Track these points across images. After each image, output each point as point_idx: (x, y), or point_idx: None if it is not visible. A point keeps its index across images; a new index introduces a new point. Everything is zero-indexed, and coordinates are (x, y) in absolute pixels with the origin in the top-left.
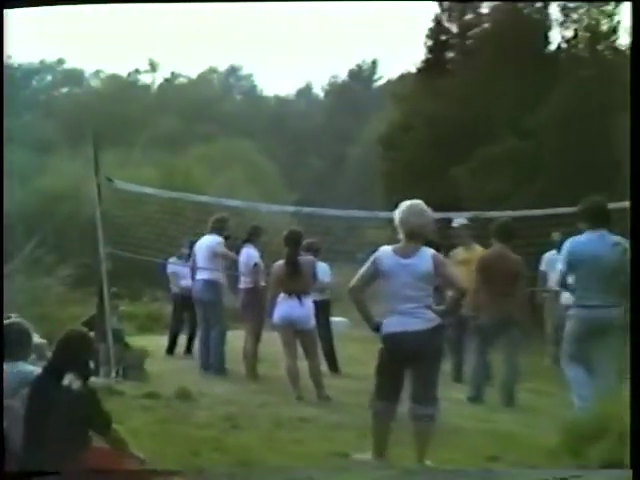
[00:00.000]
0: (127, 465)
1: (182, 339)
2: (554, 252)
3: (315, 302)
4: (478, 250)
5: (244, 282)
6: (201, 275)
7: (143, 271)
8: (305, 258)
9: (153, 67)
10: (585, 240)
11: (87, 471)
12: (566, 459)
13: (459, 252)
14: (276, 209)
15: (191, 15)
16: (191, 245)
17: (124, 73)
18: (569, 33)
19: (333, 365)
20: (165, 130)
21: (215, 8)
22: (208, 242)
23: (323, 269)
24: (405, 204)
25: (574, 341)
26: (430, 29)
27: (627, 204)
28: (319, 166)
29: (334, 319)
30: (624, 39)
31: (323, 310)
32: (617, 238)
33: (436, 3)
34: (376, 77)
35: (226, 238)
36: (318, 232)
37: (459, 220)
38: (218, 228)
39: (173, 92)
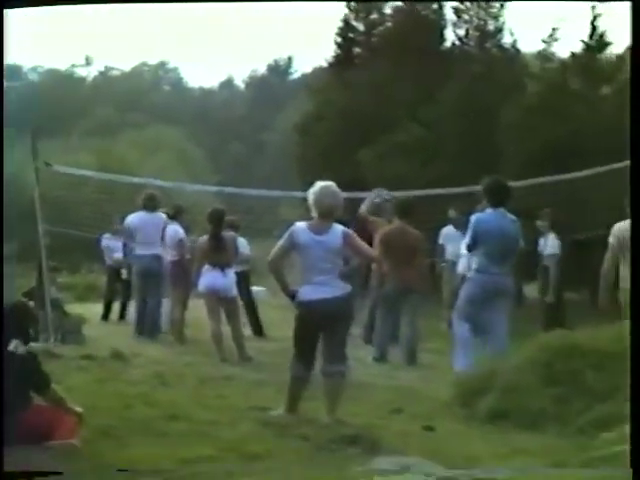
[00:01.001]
0: (65, 419)
1: (116, 307)
2: (451, 227)
3: (237, 273)
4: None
5: (171, 255)
6: (147, 250)
7: (81, 246)
8: (227, 234)
9: (88, 62)
10: (489, 217)
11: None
12: (457, 410)
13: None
14: (201, 189)
15: (123, 13)
16: (122, 222)
17: (61, 67)
18: (461, 32)
19: (258, 329)
20: (100, 119)
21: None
22: (155, 219)
23: (242, 243)
24: (318, 185)
25: (469, 302)
26: (339, 28)
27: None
28: (240, 151)
29: (255, 288)
30: (508, 38)
31: (244, 280)
32: (513, 217)
33: (344, 4)
34: (292, 71)
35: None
36: (239, 210)
37: (381, 195)
38: (149, 205)
39: (107, 84)
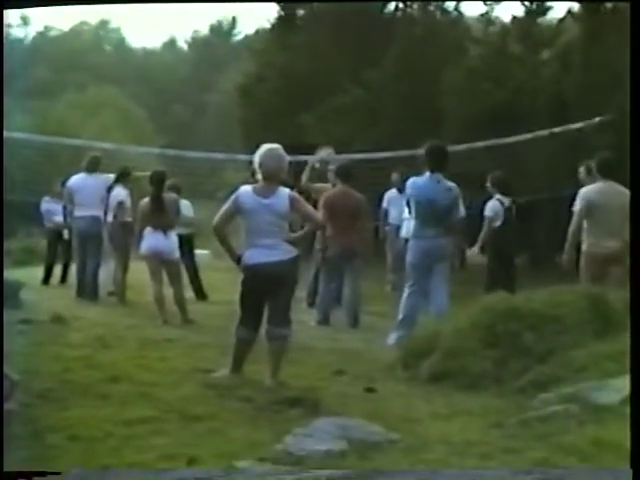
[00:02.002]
0: None
1: (57, 270)
2: (394, 191)
3: (180, 236)
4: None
5: (111, 217)
6: (86, 212)
7: (17, 210)
8: (168, 196)
9: (25, 22)
10: (423, 183)
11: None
12: (399, 372)
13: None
14: (143, 151)
15: None
16: (63, 184)
17: None
18: None
19: (200, 292)
20: (38, 80)
21: None
22: (96, 181)
23: (186, 206)
24: (264, 148)
25: (410, 267)
26: None
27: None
28: (183, 113)
29: (198, 251)
30: (451, 2)
31: (188, 243)
32: (450, 184)
33: None
34: (235, 32)
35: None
36: (183, 173)
37: (322, 159)
38: (92, 167)
39: (46, 45)
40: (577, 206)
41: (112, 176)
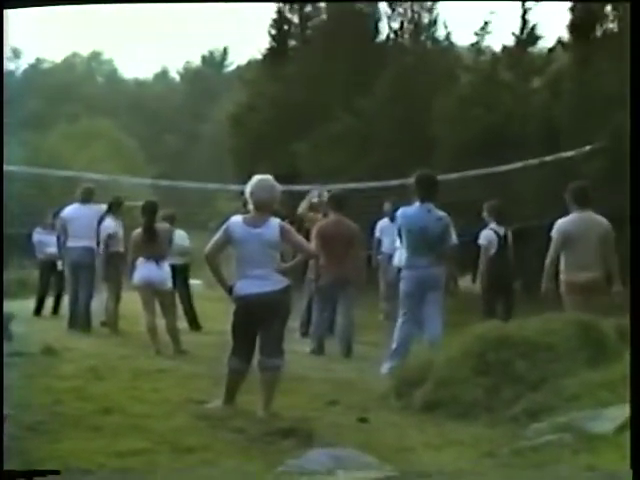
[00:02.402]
0: None
1: (50, 302)
2: (386, 220)
3: (176, 266)
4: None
5: (103, 248)
6: (78, 242)
7: (9, 242)
8: (161, 226)
9: (16, 55)
10: (413, 213)
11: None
12: (392, 401)
13: (312, 217)
14: (136, 182)
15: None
16: (55, 215)
17: None
18: (396, 25)
19: (194, 323)
20: (31, 112)
21: None
22: (89, 212)
23: (181, 236)
24: (255, 178)
25: (404, 297)
26: (274, 20)
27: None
28: (175, 143)
29: (191, 281)
30: (442, 31)
31: (183, 273)
32: (441, 213)
33: None
34: (227, 63)
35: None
36: (175, 203)
37: (320, 194)
38: (86, 198)
39: (38, 77)
40: (553, 237)
41: (104, 206)
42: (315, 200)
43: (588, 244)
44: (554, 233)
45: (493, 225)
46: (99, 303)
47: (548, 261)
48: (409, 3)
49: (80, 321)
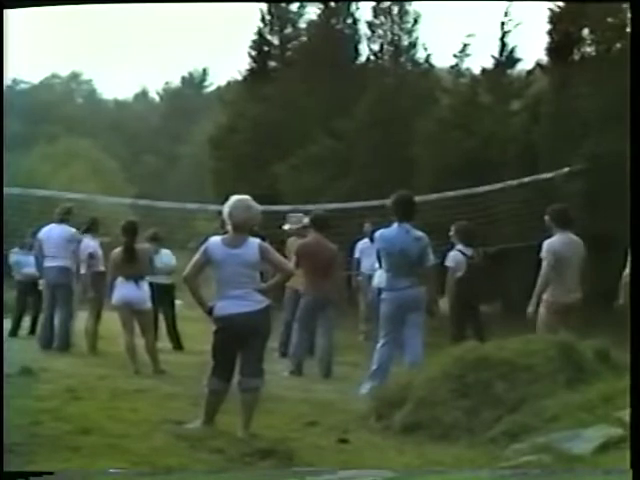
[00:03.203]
0: None
1: (26, 322)
2: (366, 241)
3: (161, 285)
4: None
5: (83, 268)
6: (53, 262)
7: None
8: (141, 246)
9: None
10: (392, 234)
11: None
12: (372, 422)
13: (292, 242)
14: (114, 201)
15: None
16: (34, 235)
17: None
18: (376, 47)
19: (176, 343)
20: (9, 132)
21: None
22: (61, 232)
23: (167, 255)
24: (233, 199)
25: (386, 320)
26: (253, 41)
27: (423, 198)
28: (155, 163)
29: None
30: (421, 53)
31: (168, 293)
32: (419, 233)
33: (258, 16)
34: (207, 84)
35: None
36: (154, 223)
37: (294, 219)
38: (64, 218)
39: (16, 98)
40: (545, 258)
41: (74, 230)
42: (294, 227)
43: (574, 265)
44: (545, 254)
45: (460, 246)
46: (75, 323)
47: (542, 281)
48: (388, 24)
49: (59, 341)
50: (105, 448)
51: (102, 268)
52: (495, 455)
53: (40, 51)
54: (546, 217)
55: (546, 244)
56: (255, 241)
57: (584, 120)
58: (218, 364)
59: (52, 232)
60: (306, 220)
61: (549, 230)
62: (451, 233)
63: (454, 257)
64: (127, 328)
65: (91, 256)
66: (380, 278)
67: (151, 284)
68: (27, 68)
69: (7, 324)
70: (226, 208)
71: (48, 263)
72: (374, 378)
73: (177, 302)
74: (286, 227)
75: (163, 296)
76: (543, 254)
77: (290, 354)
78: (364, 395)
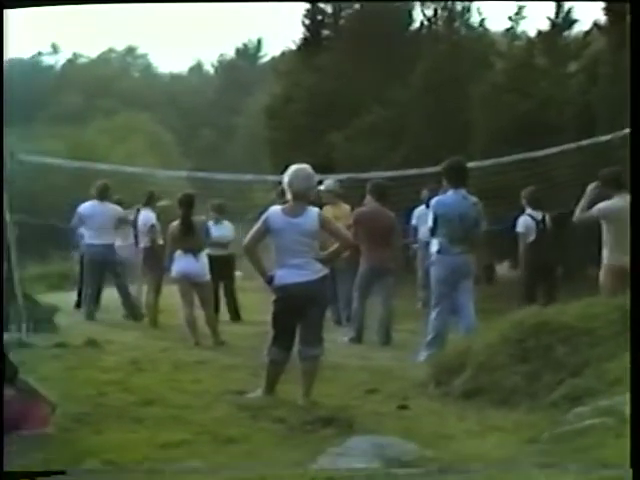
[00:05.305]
0: (36, 409)
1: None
2: (423, 208)
3: (220, 257)
4: (345, 208)
5: (143, 242)
6: (99, 239)
7: (51, 235)
8: (197, 218)
9: (55, 50)
10: (449, 200)
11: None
12: (432, 389)
13: (327, 209)
14: (172, 174)
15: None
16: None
17: (27, 56)
18: (429, 12)
19: (235, 314)
20: (68, 107)
21: None
22: (105, 210)
23: (227, 227)
24: (293, 168)
25: (437, 284)
26: (307, 10)
27: (479, 164)
28: (211, 136)
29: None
30: (476, 17)
31: (227, 264)
32: (474, 198)
33: None
34: (261, 55)
35: (119, 203)
36: (211, 195)
37: (327, 182)
38: (102, 195)
39: (75, 72)
40: (603, 221)
41: (119, 208)
42: (323, 188)
43: (627, 228)
44: (601, 216)
45: (530, 211)
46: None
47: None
48: None
49: (133, 311)
50: (168, 419)
51: (161, 241)
52: (556, 419)
53: (97, 26)
54: (599, 179)
55: (602, 207)
56: (315, 210)
57: None
58: (278, 334)
59: (95, 210)
60: (338, 187)
61: (606, 193)
62: (522, 199)
63: (524, 222)
64: (186, 301)
65: (152, 228)
66: (436, 244)
67: (210, 256)
68: (85, 43)
69: (73, 297)
70: (286, 177)
71: (91, 240)
72: (431, 347)
73: (237, 273)
74: (322, 187)
75: (222, 268)
76: (599, 216)
77: (352, 322)
78: (422, 362)
